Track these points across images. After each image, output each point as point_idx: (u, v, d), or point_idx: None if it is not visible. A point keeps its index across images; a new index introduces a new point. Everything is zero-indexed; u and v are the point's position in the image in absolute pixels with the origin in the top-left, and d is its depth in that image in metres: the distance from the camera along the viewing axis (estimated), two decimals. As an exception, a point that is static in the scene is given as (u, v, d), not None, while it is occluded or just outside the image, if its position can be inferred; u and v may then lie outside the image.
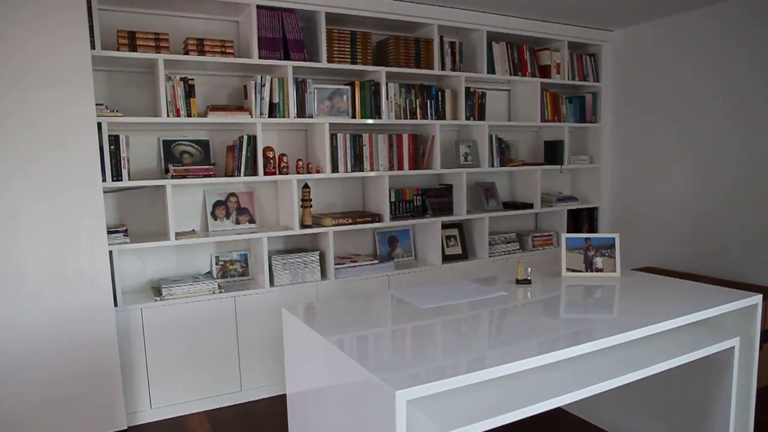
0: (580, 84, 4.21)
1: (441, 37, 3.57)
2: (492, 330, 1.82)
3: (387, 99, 3.39)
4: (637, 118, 4.21)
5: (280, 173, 3.13)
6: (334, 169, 3.27)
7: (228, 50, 2.91)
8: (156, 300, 2.81)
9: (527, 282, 2.44)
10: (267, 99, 3.02)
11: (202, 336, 2.91)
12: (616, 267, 2.53)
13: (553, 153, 4.15)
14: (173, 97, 2.81)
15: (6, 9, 2.32)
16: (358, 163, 3.35)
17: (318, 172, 3.25)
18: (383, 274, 3.39)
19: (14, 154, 2.38)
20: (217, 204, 3.17)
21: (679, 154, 3.94)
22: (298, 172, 3.18)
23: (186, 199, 3.12)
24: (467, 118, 3.71)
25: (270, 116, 3.04)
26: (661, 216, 4.09)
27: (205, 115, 2.94)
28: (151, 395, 2.82)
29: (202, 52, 2.85)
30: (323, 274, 3.27)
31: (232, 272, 3.23)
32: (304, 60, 3.10)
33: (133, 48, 2.71)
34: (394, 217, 3.50)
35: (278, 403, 3.01)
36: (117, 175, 2.72)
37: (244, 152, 2.99)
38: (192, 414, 2.90)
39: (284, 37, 3.05)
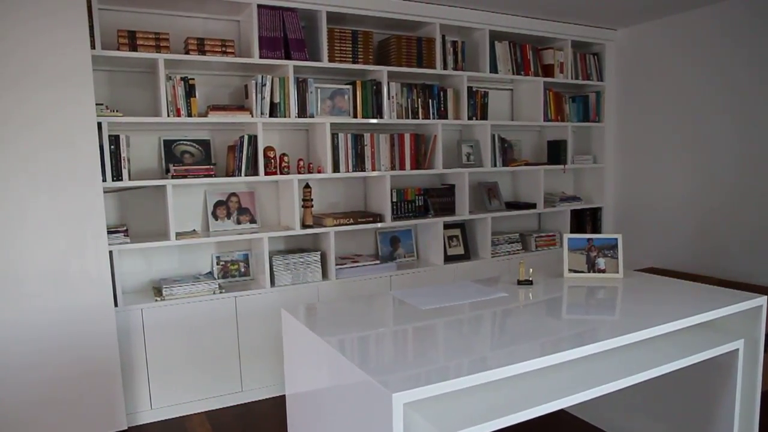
0: (584, 83, 4.18)
1: (443, 36, 3.55)
2: (492, 332, 1.81)
3: (389, 98, 3.38)
4: (641, 118, 4.18)
5: (281, 173, 3.12)
6: (336, 169, 3.26)
7: (229, 50, 2.90)
8: (156, 300, 2.80)
9: (529, 283, 2.42)
10: (268, 99, 3.01)
11: (202, 336, 2.90)
12: (619, 268, 2.50)
13: (556, 153, 4.12)
14: (174, 97, 2.81)
15: (6, 9, 2.32)
16: (359, 163, 3.33)
17: (319, 171, 3.24)
18: (385, 275, 3.37)
19: (14, 154, 2.38)
20: (218, 204, 3.16)
21: (683, 153, 3.91)
22: (299, 172, 3.16)
23: (187, 199, 3.11)
24: (469, 118, 3.69)
25: (271, 116, 3.03)
26: (665, 216, 4.06)
27: (205, 114, 2.93)
28: (152, 395, 2.81)
29: (202, 52, 2.84)
30: (324, 274, 3.26)
31: (233, 272, 3.22)
32: (305, 59, 3.08)
33: (134, 48, 2.71)
34: (396, 217, 3.49)
35: (279, 404, 3.00)
36: (117, 175, 2.71)
37: (244, 152, 2.98)
38: (192, 414, 2.90)
39: (285, 37, 3.04)
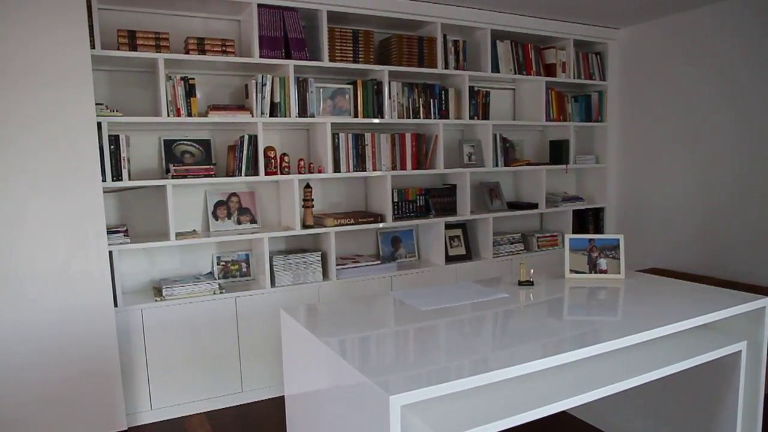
0: (586, 83, 4.16)
1: (444, 36, 3.54)
2: (491, 333, 1.79)
3: (390, 98, 3.36)
4: (644, 117, 4.16)
5: (282, 173, 3.11)
6: (336, 169, 3.24)
7: (229, 49, 2.89)
8: (156, 300, 2.79)
9: (530, 284, 2.41)
10: (268, 98, 3.00)
11: (202, 337, 2.89)
12: (621, 269, 2.49)
13: (558, 152, 4.10)
14: (174, 97, 2.80)
15: (6, 9, 2.32)
16: (360, 163, 3.32)
17: (320, 171, 3.23)
18: (386, 275, 3.36)
19: (14, 154, 2.37)
20: (219, 204, 3.16)
21: (686, 153, 3.88)
22: (300, 172, 3.15)
23: (187, 199, 3.11)
24: (471, 118, 3.67)
25: (271, 116, 3.02)
26: (668, 216, 4.03)
27: (206, 114, 2.92)
28: (152, 396, 2.81)
29: (202, 52, 2.83)
30: (325, 274, 3.25)
31: (234, 272, 3.22)
32: (306, 59, 3.07)
33: (134, 47, 2.70)
34: (397, 217, 3.48)
35: (279, 405, 2.99)
36: (117, 175, 2.71)
37: (245, 152, 2.97)
38: (192, 415, 2.89)
39: (285, 36, 3.03)
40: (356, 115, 3.28)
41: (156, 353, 2.80)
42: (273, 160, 3.05)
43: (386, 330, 1.83)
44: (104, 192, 2.76)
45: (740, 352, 2.06)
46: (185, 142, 3.04)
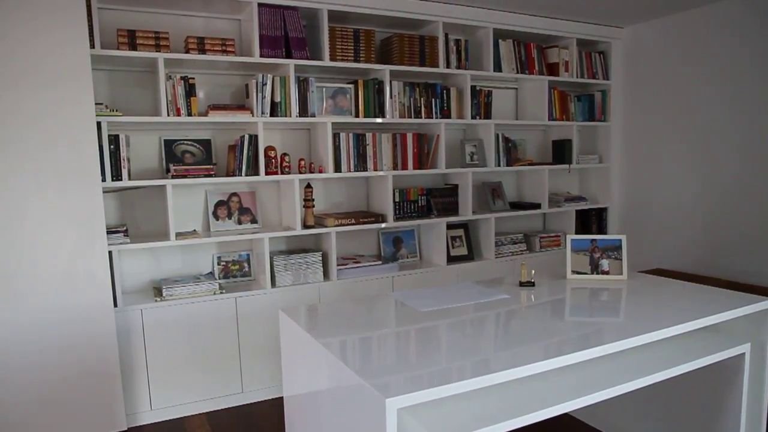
0: (589, 82, 4.14)
1: (446, 35, 3.52)
2: (491, 334, 1.77)
3: (391, 98, 3.35)
4: (648, 117, 4.13)
5: (282, 173, 3.10)
6: (337, 168, 3.23)
7: (229, 49, 2.88)
8: (156, 300, 2.79)
9: (531, 284, 2.39)
10: (269, 98, 2.99)
11: (202, 337, 2.88)
12: (623, 269, 2.46)
13: (561, 152, 4.08)
14: (174, 97, 2.79)
15: (6, 9, 2.31)
16: (361, 163, 3.31)
17: (320, 171, 3.22)
18: (387, 275, 3.35)
19: (14, 154, 2.37)
20: (219, 204, 3.15)
21: (690, 153, 3.85)
22: (301, 172, 3.14)
23: (187, 199, 3.10)
24: (473, 117, 3.65)
25: (272, 115, 3.01)
26: (671, 216, 4.00)
27: (206, 114, 2.91)
28: (152, 396, 2.80)
29: (202, 51, 2.83)
30: (326, 275, 3.23)
31: (234, 273, 3.21)
32: (307, 58, 3.06)
33: (134, 47, 2.69)
34: (399, 217, 3.46)
35: (279, 405, 2.98)
36: (117, 175, 2.70)
37: (245, 152, 2.96)
38: (192, 415, 2.88)
39: (286, 35, 3.02)
40: (357, 115, 3.27)
41: (156, 353, 2.79)
42: (273, 160, 3.04)
43: (385, 331, 1.82)
44: (104, 192, 2.76)
45: (744, 354, 2.03)
46: (185, 141, 3.03)
